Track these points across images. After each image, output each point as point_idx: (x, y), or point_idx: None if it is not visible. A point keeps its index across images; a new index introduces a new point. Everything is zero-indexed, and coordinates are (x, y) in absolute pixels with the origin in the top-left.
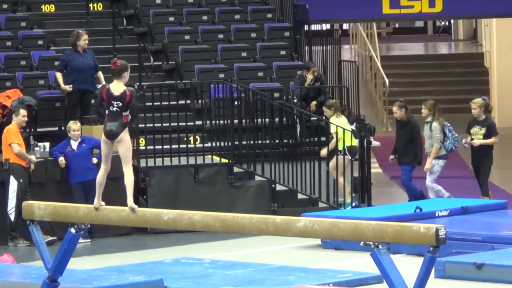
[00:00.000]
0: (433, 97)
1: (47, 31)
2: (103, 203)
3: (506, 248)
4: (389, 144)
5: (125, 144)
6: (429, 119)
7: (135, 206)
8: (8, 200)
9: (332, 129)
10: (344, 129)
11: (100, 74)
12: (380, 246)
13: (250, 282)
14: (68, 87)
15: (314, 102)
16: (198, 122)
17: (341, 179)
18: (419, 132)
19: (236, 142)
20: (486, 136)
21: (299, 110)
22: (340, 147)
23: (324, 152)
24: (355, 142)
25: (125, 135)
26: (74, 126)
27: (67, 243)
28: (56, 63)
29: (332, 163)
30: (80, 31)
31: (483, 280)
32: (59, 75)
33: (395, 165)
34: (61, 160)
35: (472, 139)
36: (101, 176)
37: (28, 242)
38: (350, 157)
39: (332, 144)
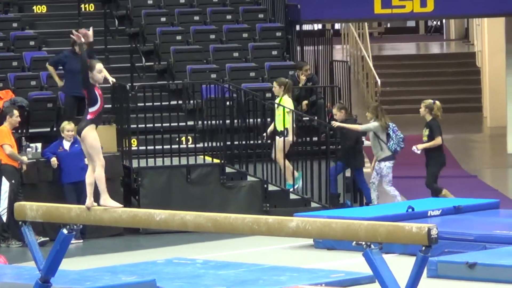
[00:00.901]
0: (425, 97)
1: (39, 32)
2: (95, 203)
3: (498, 247)
4: None
5: (87, 142)
6: (372, 121)
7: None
8: (0, 201)
9: (288, 107)
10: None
11: None
12: (372, 246)
13: (243, 282)
14: (60, 81)
15: (305, 102)
16: (190, 123)
17: (285, 162)
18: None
19: (228, 143)
20: (430, 137)
21: (291, 110)
22: (282, 128)
23: (271, 129)
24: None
25: (87, 132)
26: (68, 126)
27: (60, 244)
28: (47, 64)
29: (279, 145)
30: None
31: (476, 279)
32: (51, 68)
33: None
34: (53, 160)
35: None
36: (89, 175)
37: (21, 243)
38: (291, 139)
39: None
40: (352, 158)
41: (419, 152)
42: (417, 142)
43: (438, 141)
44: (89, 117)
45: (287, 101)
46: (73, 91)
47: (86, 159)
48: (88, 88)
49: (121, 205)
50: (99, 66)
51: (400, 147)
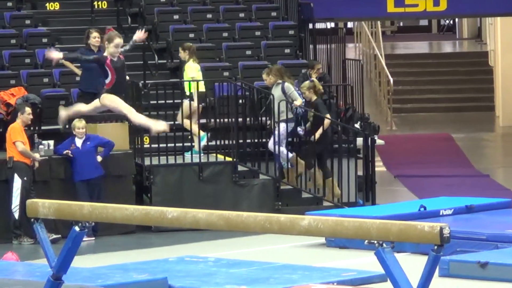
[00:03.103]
0: (437, 96)
1: (52, 29)
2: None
3: (511, 247)
4: (394, 143)
5: (108, 107)
6: (279, 81)
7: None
8: (12, 198)
9: (190, 74)
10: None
11: None
12: (384, 245)
13: (254, 281)
14: (78, 70)
15: None
16: (203, 121)
17: (193, 126)
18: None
19: (241, 141)
20: (315, 117)
21: (303, 109)
22: (188, 93)
23: (185, 103)
24: (202, 88)
25: (102, 100)
26: (79, 124)
27: (71, 241)
28: (61, 61)
29: (185, 108)
30: (90, 30)
31: (487, 279)
32: (67, 63)
33: (399, 164)
34: (67, 152)
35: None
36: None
37: (32, 240)
38: (196, 103)
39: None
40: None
41: (302, 133)
42: (428, 141)
43: (327, 121)
44: (104, 88)
45: (191, 66)
46: (88, 87)
47: (98, 157)
48: (100, 63)
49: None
50: (117, 41)
51: (302, 110)
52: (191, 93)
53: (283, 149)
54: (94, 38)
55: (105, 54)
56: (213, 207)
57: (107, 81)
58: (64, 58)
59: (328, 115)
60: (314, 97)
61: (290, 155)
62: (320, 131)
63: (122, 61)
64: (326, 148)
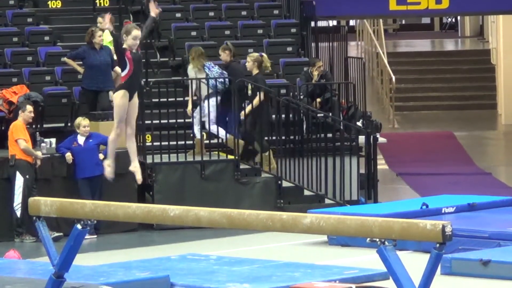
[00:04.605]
0: (440, 94)
1: (54, 27)
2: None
3: None
4: (396, 141)
5: (114, 104)
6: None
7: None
8: (14, 196)
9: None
10: None
11: (117, 69)
12: (386, 243)
13: (256, 279)
14: (81, 68)
15: (318, 99)
16: (205, 119)
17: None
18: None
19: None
20: (254, 91)
21: (305, 107)
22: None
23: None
24: None
25: (114, 96)
26: (84, 122)
27: (73, 239)
28: (63, 58)
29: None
30: (93, 28)
31: (490, 277)
32: (69, 60)
33: (401, 162)
34: (68, 155)
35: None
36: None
37: (34, 238)
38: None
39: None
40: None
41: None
42: (430, 139)
43: (261, 95)
44: (121, 81)
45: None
46: (92, 85)
47: (100, 155)
48: (120, 52)
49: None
50: (135, 32)
51: (220, 83)
52: None
53: (213, 127)
54: (100, 36)
55: (124, 46)
56: (215, 205)
57: (124, 73)
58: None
59: (263, 92)
60: (255, 71)
61: (223, 133)
62: (249, 107)
63: (139, 54)
64: (262, 122)
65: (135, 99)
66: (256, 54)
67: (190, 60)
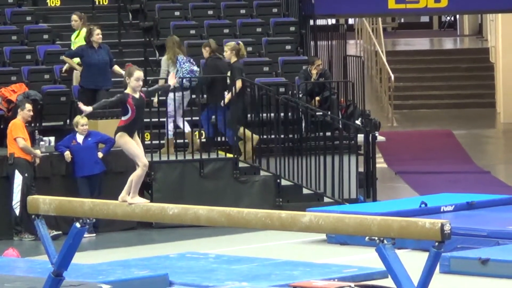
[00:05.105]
0: (438, 92)
1: (53, 26)
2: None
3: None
4: (395, 139)
5: (122, 148)
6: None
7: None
8: (13, 194)
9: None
10: None
11: (116, 67)
12: (385, 241)
13: (255, 277)
14: (79, 67)
15: (317, 98)
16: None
17: None
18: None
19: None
20: (232, 79)
21: (304, 105)
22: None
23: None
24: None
25: (117, 140)
26: (82, 121)
27: (72, 238)
28: (61, 57)
29: None
30: (91, 27)
31: (488, 275)
32: (67, 59)
33: (400, 160)
34: (67, 154)
35: None
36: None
37: (33, 237)
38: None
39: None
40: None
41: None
42: (429, 137)
43: (238, 84)
44: (120, 124)
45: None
46: (90, 84)
47: (99, 154)
48: (122, 102)
49: (148, 201)
50: (137, 74)
51: (190, 81)
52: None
53: (180, 119)
54: (98, 35)
55: (126, 91)
56: (214, 203)
57: (125, 117)
58: (94, 109)
59: (240, 81)
60: (233, 59)
61: (188, 129)
62: (229, 96)
63: (143, 100)
64: (239, 111)
65: (136, 136)
66: (233, 43)
67: (166, 49)
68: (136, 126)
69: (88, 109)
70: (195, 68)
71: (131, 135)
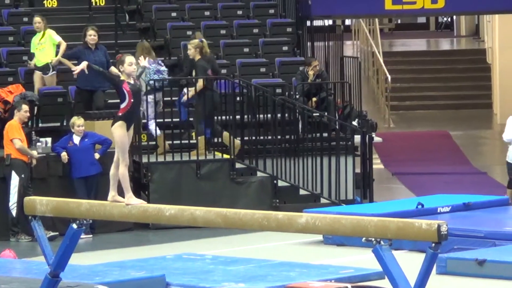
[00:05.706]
0: (435, 93)
1: (50, 27)
2: (119, 198)
3: (508, 244)
4: (391, 140)
5: (113, 138)
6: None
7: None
8: (9, 196)
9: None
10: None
11: (113, 69)
12: (382, 242)
13: (252, 278)
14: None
15: (314, 99)
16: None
17: None
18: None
19: (238, 138)
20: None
21: (301, 106)
22: (46, 61)
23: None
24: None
25: (114, 129)
26: (78, 122)
27: (69, 239)
28: (57, 58)
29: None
30: (86, 28)
31: (485, 276)
32: (64, 60)
33: (397, 161)
34: (64, 155)
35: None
36: (112, 167)
37: (30, 238)
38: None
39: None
40: None
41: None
42: (426, 138)
43: (200, 83)
44: (119, 113)
45: (54, 33)
46: (87, 85)
47: (96, 155)
48: (117, 85)
49: (145, 202)
50: (129, 59)
51: (157, 82)
52: (50, 64)
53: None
54: (90, 36)
55: (122, 78)
56: (210, 204)
57: (123, 105)
58: (88, 66)
59: (201, 79)
60: (197, 57)
61: (159, 132)
62: (192, 92)
63: (138, 85)
64: (204, 108)
65: (131, 130)
66: (196, 41)
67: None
68: (135, 115)
69: (83, 64)
70: (162, 68)
71: (128, 126)
